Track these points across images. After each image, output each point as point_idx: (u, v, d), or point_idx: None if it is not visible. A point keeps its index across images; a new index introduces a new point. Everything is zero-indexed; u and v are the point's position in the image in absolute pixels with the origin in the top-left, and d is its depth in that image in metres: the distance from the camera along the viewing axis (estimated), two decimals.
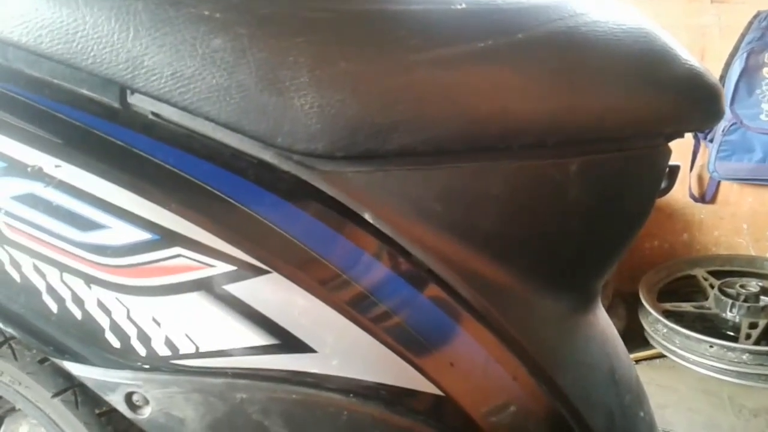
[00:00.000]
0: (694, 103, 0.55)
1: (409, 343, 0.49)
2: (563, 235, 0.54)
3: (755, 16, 1.86)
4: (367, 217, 0.49)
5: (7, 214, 0.46)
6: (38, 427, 0.78)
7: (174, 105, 0.47)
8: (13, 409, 0.81)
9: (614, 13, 0.53)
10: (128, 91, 0.49)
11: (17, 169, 0.46)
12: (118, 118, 0.48)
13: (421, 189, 0.49)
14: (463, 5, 0.49)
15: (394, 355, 0.49)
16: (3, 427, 0.81)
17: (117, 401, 0.50)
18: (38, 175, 0.46)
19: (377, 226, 0.49)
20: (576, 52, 0.49)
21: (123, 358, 0.48)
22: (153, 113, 0.49)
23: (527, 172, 0.50)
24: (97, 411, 0.67)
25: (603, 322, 0.64)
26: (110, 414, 0.67)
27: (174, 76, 0.46)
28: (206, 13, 0.46)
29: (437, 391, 0.50)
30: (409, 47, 0.47)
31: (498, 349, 0.53)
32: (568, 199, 0.52)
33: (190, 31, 0.46)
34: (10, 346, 0.67)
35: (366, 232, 0.49)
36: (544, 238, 0.53)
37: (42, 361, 0.67)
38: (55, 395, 0.67)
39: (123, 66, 0.46)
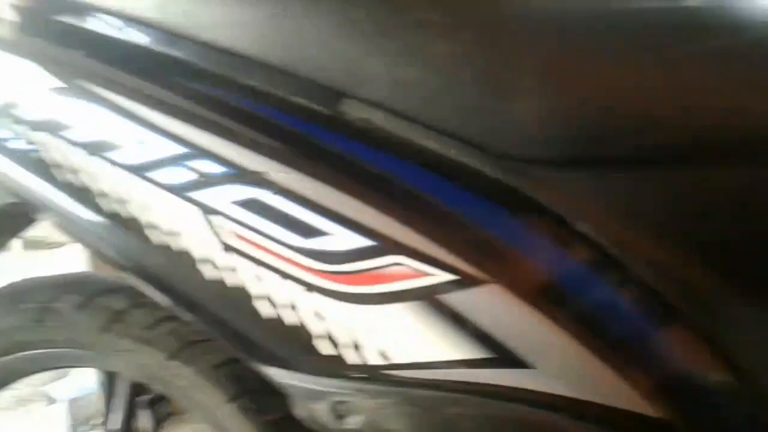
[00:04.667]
0: None
1: (630, 362, 0.46)
2: None
3: None
4: (582, 226, 0.47)
5: (228, 218, 0.47)
6: None
7: (390, 111, 0.47)
8: (170, 414, 0.83)
9: None
10: (341, 98, 0.49)
11: (240, 174, 0.47)
12: (331, 125, 0.48)
13: (641, 197, 0.47)
14: (695, 3, 0.46)
15: (614, 374, 0.46)
16: None
17: (321, 410, 0.50)
18: (261, 181, 0.46)
19: (592, 235, 0.47)
20: None
21: (333, 366, 0.48)
22: (364, 119, 0.49)
23: (757, 179, 0.47)
24: (267, 417, 0.68)
25: None
26: (281, 421, 0.67)
27: (394, 82, 0.46)
28: (429, 18, 0.45)
29: (657, 414, 0.47)
30: (637, 48, 0.45)
31: (708, 359, 0.49)
32: None
33: (412, 37, 0.45)
34: (189, 350, 0.68)
35: (579, 240, 0.47)
36: (762, 249, 0.49)
37: (218, 366, 0.68)
38: (230, 401, 0.68)
39: (342, 74, 0.47)
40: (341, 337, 0.47)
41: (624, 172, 0.47)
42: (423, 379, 0.46)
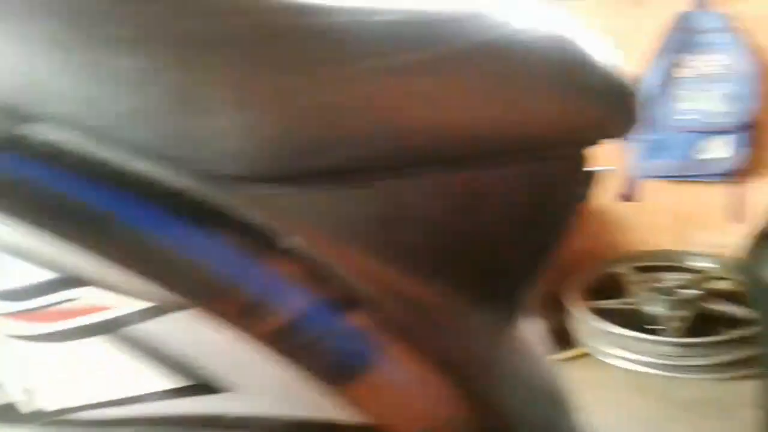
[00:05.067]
0: (607, 110, 0.55)
1: (336, 373, 0.47)
2: (486, 248, 0.53)
3: (675, 19, 1.94)
4: (291, 241, 0.47)
5: None
6: None
7: (80, 131, 0.43)
8: None
9: (537, 20, 0.52)
10: (22, 118, 0.45)
11: None
12: (9, 148, 0.44)
13: (344, 209, 0.48)
14: (386, 18, 0.47)
15: (320, 388, 0.46)
16: None
17: None
18: None
19: (302, 250, 0.47)
20: (494, 64, 0.49)
21: (22, 413, 0.44)
22: (49, 140, 0.45)
23: (448, 185, 0.49)
24: None
25: (527, 334, 0.64)
26: None
27: (82, 100, 0.43)
28: (118, 33, 0.43)
29: (368, 420, 0.48)
30: (330, 62, 0.45)
31: (429, 370, 0.51)
32: (488, 211, 0.51)
33: (101, 53, 0.42)
34: None
35: (290, 258, 0.47)
36: (468, 252, 0.52)
37: None
38: None
39: (23, 92, 0.43)
40: (26, 382, 0.43)
41: (329, 184, 0.47)
42: (119, 418, 0.44)
